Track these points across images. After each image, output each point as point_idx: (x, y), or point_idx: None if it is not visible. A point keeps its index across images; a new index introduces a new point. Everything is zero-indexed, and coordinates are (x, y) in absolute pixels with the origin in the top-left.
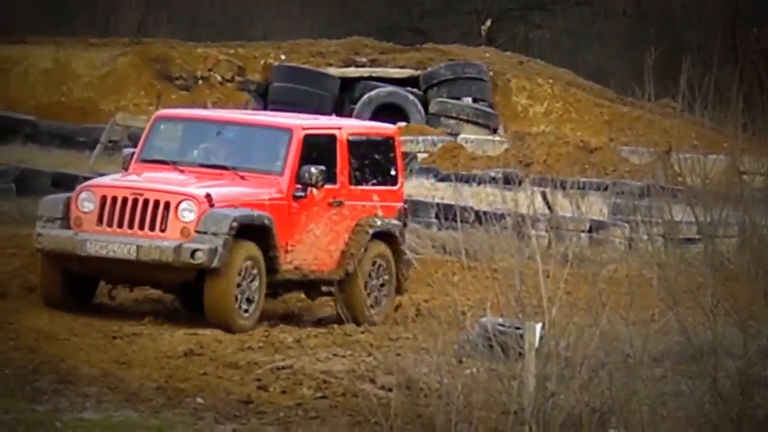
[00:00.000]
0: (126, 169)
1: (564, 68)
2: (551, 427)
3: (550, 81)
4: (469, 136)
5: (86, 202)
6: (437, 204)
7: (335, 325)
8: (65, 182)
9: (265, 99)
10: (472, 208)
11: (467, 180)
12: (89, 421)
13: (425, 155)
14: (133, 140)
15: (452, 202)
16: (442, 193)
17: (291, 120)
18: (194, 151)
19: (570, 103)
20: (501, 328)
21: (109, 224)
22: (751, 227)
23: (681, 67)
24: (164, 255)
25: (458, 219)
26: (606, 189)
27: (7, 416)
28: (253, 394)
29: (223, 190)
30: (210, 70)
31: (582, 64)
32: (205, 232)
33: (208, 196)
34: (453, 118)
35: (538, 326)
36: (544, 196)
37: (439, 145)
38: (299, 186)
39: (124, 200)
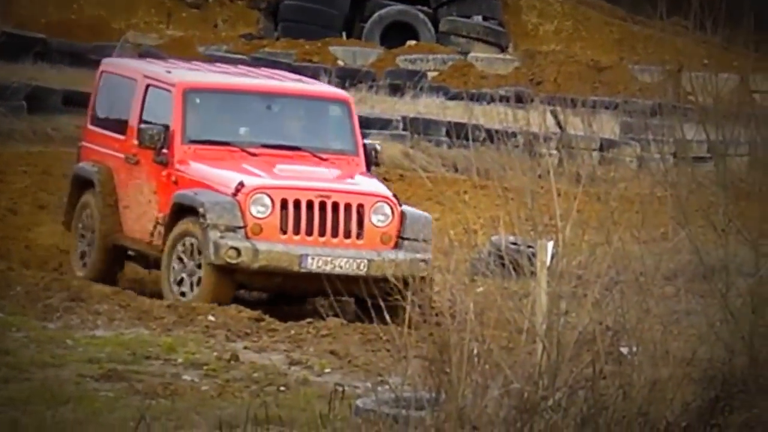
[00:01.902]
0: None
1: None
2: (564, 345)
3: None
4: (480, 54)
5: (260, 207)
6: (448, 122)
7: None
8: (76, 100)
9: (275, 18)
10: (482, 127)
11: (478, 98)
12: (101, 339)
13: (435, 74)
14: (145, 56)
15: (463, 121)
16: (453, 111)
17: (334, 88)
18: (241, 128)
19: (580, 22)
20: (513, 246)
21: (296, 232)
22: (762, 145)
23: None
24: (399, 268)
25: (469, 137)
26: (616, 107)
27: (18, 334)
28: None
29: (375, 183)
30: None
31: None
32: (415, 239)
33: (395, 196)
34: (463, 36)
35: (550, 244)
36: (554, 114)
37: (449, 63)
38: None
39: (309, 204)
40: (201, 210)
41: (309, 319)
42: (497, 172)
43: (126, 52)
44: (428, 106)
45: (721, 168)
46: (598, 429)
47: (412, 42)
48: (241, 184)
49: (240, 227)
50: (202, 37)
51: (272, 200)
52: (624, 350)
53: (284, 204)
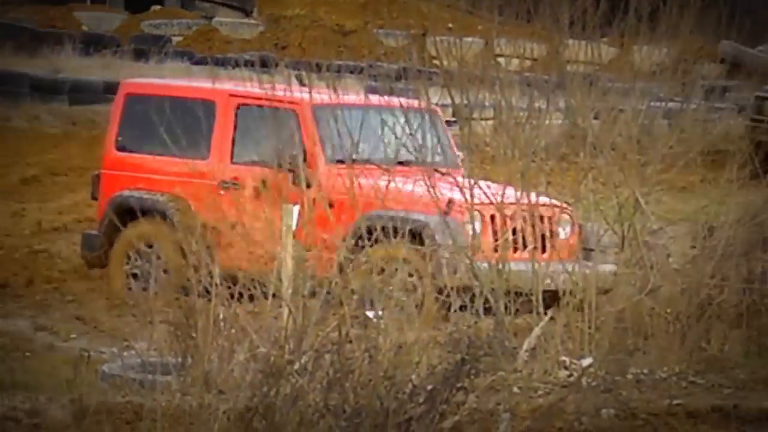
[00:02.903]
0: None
1: None
2: (310, 309)
3: None
4: (224, 19)
5: (476, 224)
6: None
7: None
8: None
9: None
10: None
11: (222, 63)
12: None
13: (180, 39)
14: None
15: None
16: (198, 76)
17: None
18: (363, 144)
19: None
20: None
21: (514, 249)
22: (506, 109)
23: None
24: (600, 281)
25: None
26: (362, 72)
27: None
28: (11, 278)
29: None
30: None
31: None
32: (591, 249)
33: (568, 203)
34: (208, 1)
35: (295, 208)
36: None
37: (194, 28)
38: None
39: (512, 219)
40: (427, 231)
41: (55, 284)
42: None
43: None
44: (173, 71)
45: (466, 131)
46: (344, 392)
47: (157, 7)
48: (451, 202)
49: (466, 247)
50: None
51: (483, 217)
52: (370, 314)
53: (492, 220)
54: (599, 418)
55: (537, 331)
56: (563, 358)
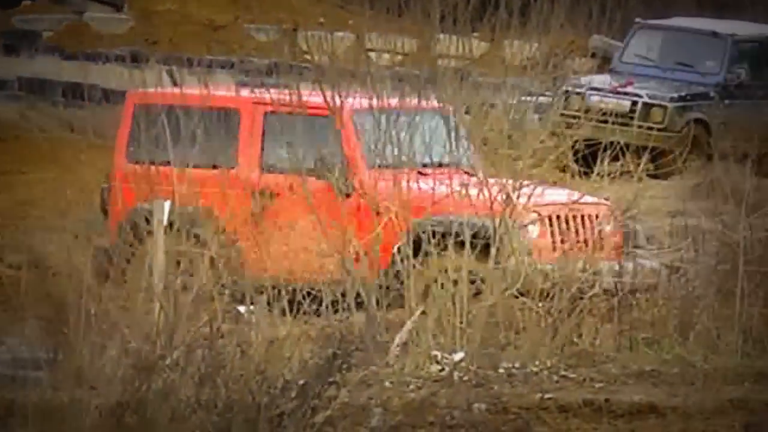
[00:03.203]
0: None
1: None
2: (181, 304)
3: None
4: (95, 14)
5: (536, 226)
6: (64, 83)
7: None
8: None
9: None
10: (99, 87)
11: (93, 58)
12: None
13: (50, 33)
14: None
15: (79, 81)
16: (68, 71)
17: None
18: (395, 147)
19: None
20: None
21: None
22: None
23: None
24: (648, 277)
25: (85, 97)
26: (233, 67)
27: None
28: None
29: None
30: None
31: None
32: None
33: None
34: None
35: (167, 204)
36: (170, 74)
37: (65, 23)
38: None
39: (566, 219)
40: (493, 235)
41: None
42: (112, 132)
43: None
44: (44, 67)
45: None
46: (216, 387)
47: (28, 2)
48: (511, 204)
49: (531, 249)
50: None
51: (541, 218)
52: (241, 309)
53: (550, 221)
54: (471, 412)
55: (408, 325)
56: (435, 352)
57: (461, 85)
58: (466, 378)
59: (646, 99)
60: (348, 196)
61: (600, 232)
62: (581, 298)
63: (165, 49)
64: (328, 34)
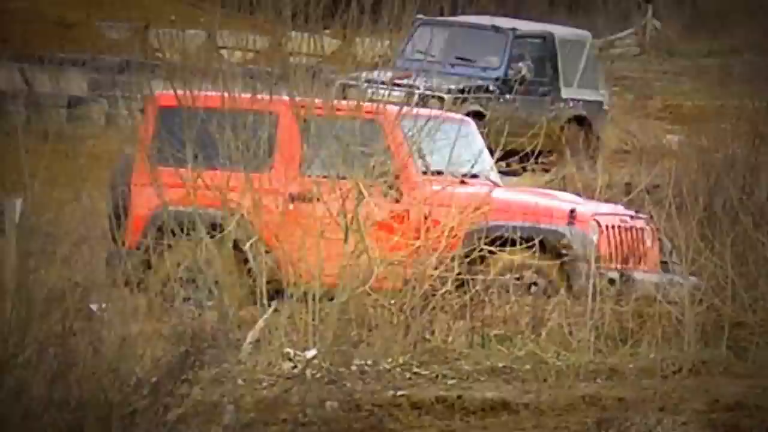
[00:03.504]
0: None
1: None
2: (33, 302)
3: None
4: None
5: (596, 235)
6: None
7: None
8: None
9: None
10: None
11: None
12: None
13: None
14: None
15: None
16: None
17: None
18: (435, 155)
19: None
20: None
21: (622, 260)
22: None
23: None
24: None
25: None
26: (84, 64)
27: None
28: None
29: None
30: None
31: None
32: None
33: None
34: None
35: (18, 202)
36: (22, 72)
37: None
38: None
39: (619, 230)
40: (563, 242)
41: None
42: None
43: None
44: None
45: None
46: (68, 385)
47: None
48: (574, 212)
49: (597, 258)
50: None
51: (600, 227)
52: (94, 306)
53: (607, 231)
54: (324, 409)
55: (261, 323)
56: (287, 349)
57: (313, 82)
58: (318, 375)
59: (422, 90)
60: (397, 201)
61: (645, 243)
62: (433, 295)
63: (16, 47)
64: (179, 31)
